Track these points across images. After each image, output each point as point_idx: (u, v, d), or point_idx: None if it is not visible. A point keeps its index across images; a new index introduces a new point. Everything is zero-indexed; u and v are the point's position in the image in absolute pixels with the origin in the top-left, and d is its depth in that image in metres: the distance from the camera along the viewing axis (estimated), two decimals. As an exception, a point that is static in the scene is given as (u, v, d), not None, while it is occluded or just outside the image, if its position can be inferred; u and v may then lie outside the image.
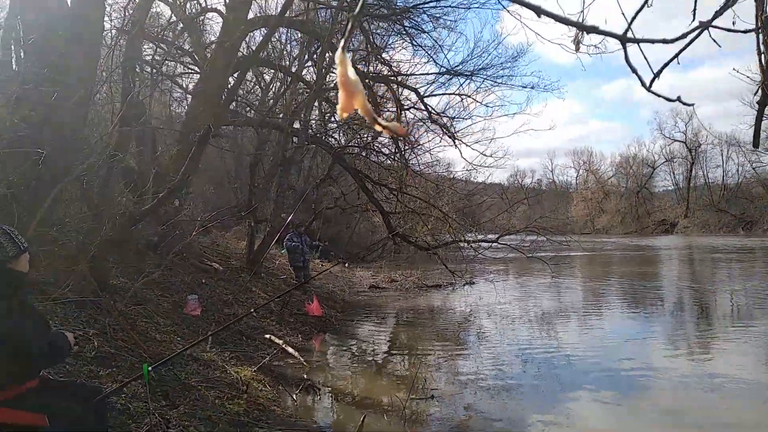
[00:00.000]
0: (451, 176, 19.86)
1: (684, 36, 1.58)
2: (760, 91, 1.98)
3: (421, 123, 18.01)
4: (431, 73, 16.39)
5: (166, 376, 5.03)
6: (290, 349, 7.36)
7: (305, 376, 6.49)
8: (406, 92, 16.65)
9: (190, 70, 15.30)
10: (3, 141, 6.10)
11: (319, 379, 6.60)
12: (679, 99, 1.64)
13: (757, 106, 2.14)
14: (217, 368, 5.81)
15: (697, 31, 2.02)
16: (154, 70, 10.89)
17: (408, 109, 16.85)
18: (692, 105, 1.79)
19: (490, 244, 16.61)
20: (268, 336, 7.69)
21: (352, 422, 4.83)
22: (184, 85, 16.84)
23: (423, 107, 16.15)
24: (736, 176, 62.93)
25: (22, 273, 2.78)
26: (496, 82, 15.52)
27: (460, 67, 15.53)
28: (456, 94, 16.53)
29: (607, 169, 77.49)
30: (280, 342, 7.55)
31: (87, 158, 6.88)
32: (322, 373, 6.99)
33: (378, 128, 0.89)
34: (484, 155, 17.12)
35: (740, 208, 57.81)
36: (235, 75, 11.77)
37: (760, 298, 13.10)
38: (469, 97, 16.26)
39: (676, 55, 2.09)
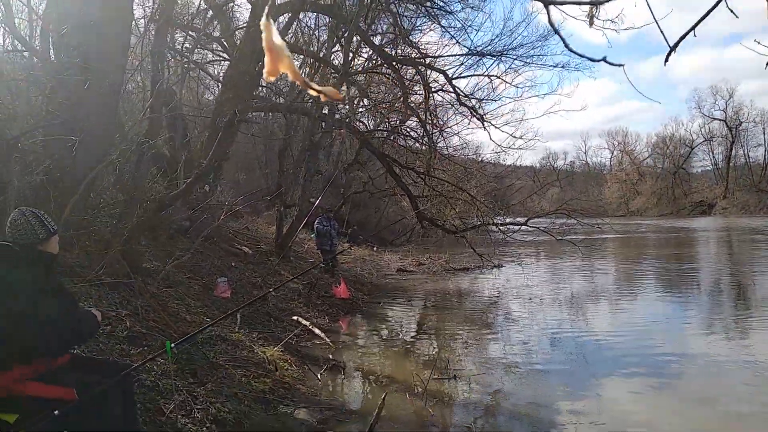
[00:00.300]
0: (480, 159, 19.70)
1: None
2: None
3: (450, 105, 17.95)
4: (459, 55, 16.23)
5: (195, 356, 5.21)
6: (317, 330, 7.51)
7: (331, 356, 6.63)
8: (434, 75, 16.56)
9: (219, 58, 15.51)
10: (39, 129, 6.36)
11: (344, 359, 6.72)
12: (604, 59, 1.64)
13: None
14: (244, 348, 5.98)
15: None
16: (185, 59, 11.07)
17: (436, 92, 16.75)
18: (622, 65, 1.78)
19: (519, 226, 16.49)
20: (295, 317, 7.85)
21: (375, 401, 4.93)
22: (216, 73, 17.11)
23: (451, 89, 16.03)
24: (779, 156, 60.83)
25: (52, 254, 2.93)
26: (525, 62, 15.27)
27: (489, 47, 15.34)
28: (485, 75, 16.36)
29: (642, 150, 75.69)
30: (307, 323, 7.70)
31: (119, 145, 7.12)
32: (348, 353, 7.11)
33: (312, 92, 0.93)
34: (514, 137, 16.94)
35: (783, 188, 55.82)
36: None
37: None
38: (498, 78, 16.06)
39: (692, 28, 2.06)
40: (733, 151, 64.42)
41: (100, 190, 7.56)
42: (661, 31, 1.82)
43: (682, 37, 1.85)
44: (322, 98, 0.94)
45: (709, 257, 19.90)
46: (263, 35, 0.90)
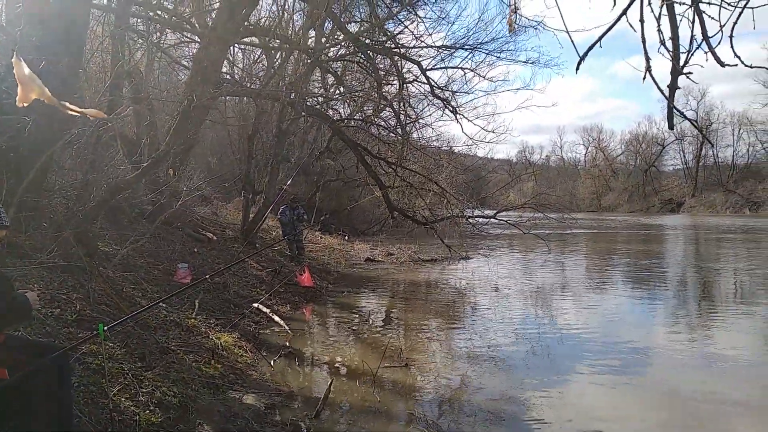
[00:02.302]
0: (451, 150, 19.85)
1: None
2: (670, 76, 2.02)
3: (423, 96, 18.03)
4: (434, 47, 16.27)
5: (147, 341, 5.20)
6: (276, 318, 7.53)
7: (288, 343, 6.66)
8: (408, 66, 16.60)
9: (189, 39, 15.26)
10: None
11: (301, 346, 6.76)
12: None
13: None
14: (199, 334, 5.98)
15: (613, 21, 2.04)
16: (147, 40, 10.88)
17: (410, 83, 16.81)
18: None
19: (488, 219, 16.70)
20: (255, 305, 7.85)
21: (325, 387, 4.99)
22: (190, 54, 16.81)
23: (425, 80, 16.10)
24: (746, 156, 62.48)
25: None
26: (498, 56, 15.43)
27: (463, 40, 15.44)
28: (458, 68, 16.47)
29: (616, 147, 76.97)
30: (267, 311, 7.72)
31: (77, 126, 6.99)
32: (306, 341, 7.15)
33: (72, 113, 0.98)
34: (486, 130, 17.12)
35: (748, 188, 57.31)
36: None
37: (763, 278, 13.14)
38: (472, 71, 16.16)
39: (599, 40, 2.13)
40: (703, 151, 65.85)
41: (56, 171, 7.44)
42: (572, 41, 1.89)
43: (591, 47, 1.93)
44: (90, 116, 1.00)
45: (676, 255, 20.36)
46: (15, 70, 0.96)
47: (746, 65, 2.22)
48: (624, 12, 1.89)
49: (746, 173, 60.26)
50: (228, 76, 14.55)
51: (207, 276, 4.00)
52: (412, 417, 4.76)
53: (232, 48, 15.11)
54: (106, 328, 2.87)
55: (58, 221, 6.25)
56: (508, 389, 5.48)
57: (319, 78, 18.79)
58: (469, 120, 16.45)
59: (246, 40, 12.57)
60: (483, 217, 16.64)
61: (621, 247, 23.06)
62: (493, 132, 16.52)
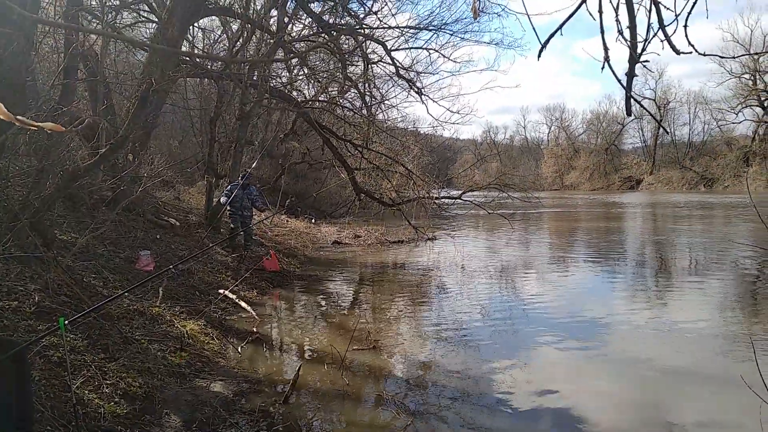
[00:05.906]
0: (417, 131, 19.90)
1: None
2: (627, 64, 2.06)
3: (388, 77, 17.95)
4: (398, 27, 16.18)
5: (110, 331, 5.10)
6: (243, 303, 7.48)
7: (255, 329, 6.63)
8: (373, 46, 16.47)
9: (145, 19, 14.77)
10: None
11: (268, 332, 6.75)
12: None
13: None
14: (164, 322, 5.89)
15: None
16: (106, 21, 10.47)
17: (375, 63, 16.70)
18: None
19: (454, 200, 16.84)
20: (221, 291, 7.77)
21: (293, 372, 5.00)
22: (148, 34, 16.28)
23: (390, 61, 16.02)
24: (702, 134, 64.42)
25: None
26: (462, 37, 15.46)
27: (428, 20, 15.40)
28: (423, 49, 16.43)
29: (578, 126, 78.23)
30: (233, 296, 7.65)
31: (30, 111, 6.72)
32: (273, 326, 7.13)
33: (27, 126, 0.98)
34: (451, 111, 17.26)
35: (703, 165, 59.23)
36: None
37: (716, 252, 13.70)
38: (437, 51, 16.14)
39: (559, 28, 2.15)
40: (660, 129, 67.51)
41: (9, 157, 7.15)
42: (533, 27, 1.90)
43: (551, 36, 1.95)
44: (48, 130, 0.99)
45: (635, 231, 20.95)
46: None
47: (699, 53, 2.28)
48: (583, 1, 1.91)
49: (702, 150, 62.17)
50: (188, 57, 14.15)
51: (172, 266, 3.92)
52: (381, 399, 4.83)
53: (191, 27, 14.71)
54: (66, 321, 2.79)
55: (13, 209, 6.03)
56: (474, 367, 5.60)
57: (283, 58, 18.50)
58: (434, 101, 16.54)
59: (206, 20, 12.25)
60: (449, 197, 16.78)
61: (583, 225, 23.59)
62: (458, 113, 16.67)
